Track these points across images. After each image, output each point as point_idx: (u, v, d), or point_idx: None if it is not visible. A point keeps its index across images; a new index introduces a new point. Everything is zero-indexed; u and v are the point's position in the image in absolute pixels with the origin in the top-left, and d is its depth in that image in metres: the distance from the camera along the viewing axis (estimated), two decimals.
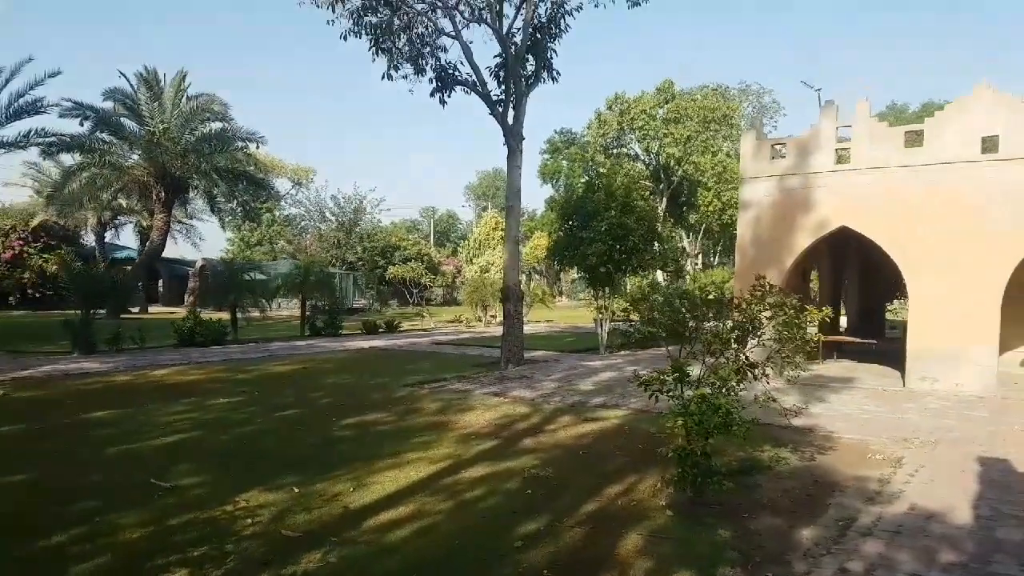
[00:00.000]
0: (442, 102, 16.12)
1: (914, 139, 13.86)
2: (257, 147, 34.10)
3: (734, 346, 7.18)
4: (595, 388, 13.68)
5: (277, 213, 63.76)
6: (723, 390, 6.93)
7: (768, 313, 7.11)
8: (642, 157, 42.55)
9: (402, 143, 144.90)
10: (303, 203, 58.00)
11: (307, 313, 26.54)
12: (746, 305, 7.13)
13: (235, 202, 36.11)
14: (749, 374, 7.13)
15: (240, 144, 33.48)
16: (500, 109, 16.53)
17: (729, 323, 7.38)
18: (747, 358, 7.25)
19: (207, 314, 25.26)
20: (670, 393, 6.91)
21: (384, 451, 8.65)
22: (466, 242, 56.16)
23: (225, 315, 24.48)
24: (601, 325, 21.54)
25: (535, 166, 49.10)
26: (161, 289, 49.09)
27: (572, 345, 23.24)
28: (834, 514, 6.39)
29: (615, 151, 41.94)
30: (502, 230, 53.68)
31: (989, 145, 12.79)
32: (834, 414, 11.23)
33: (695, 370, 7.23)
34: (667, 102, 39.66)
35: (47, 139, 25.41)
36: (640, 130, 39.68)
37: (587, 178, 21.08)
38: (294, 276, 25.70)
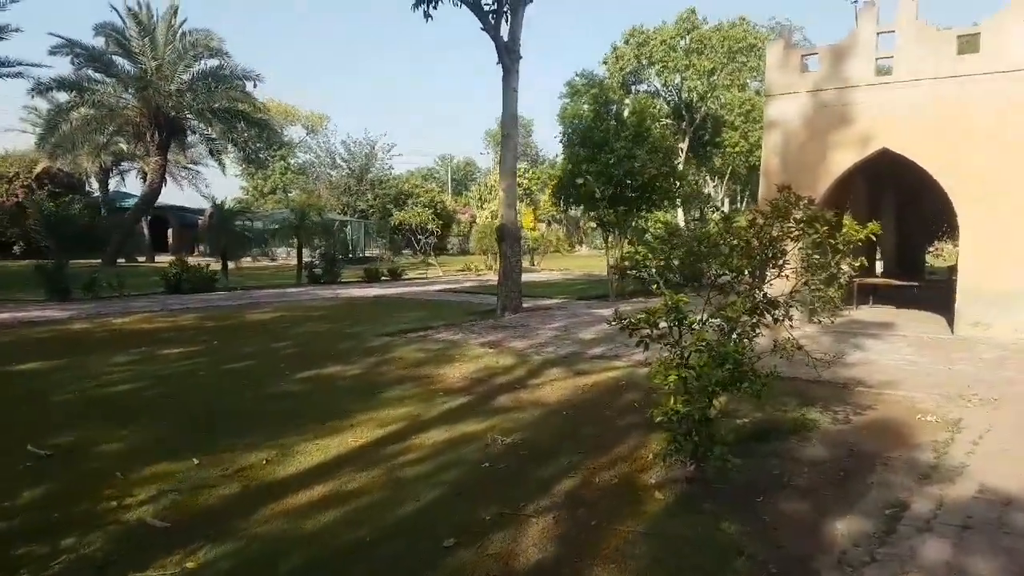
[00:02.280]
0: (426, 15, 14.24)
1: (968, 46, 11.83)
2: (255, 85, 32.30)
3: (747, 279, 5.57)
4: (595, 338, 12.12)
5: (292, 161, 62.28)
6: (732, 335, 5.34)
7: (796, 232, 5.44)
8: (662, 93, 39.99)
9: (420, 90, 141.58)
10: (314, 149, 56.27)
11: (305, 260, 25.16)
12: (764, 221, 5.46)
13: (235, 145, 34.44)
14: (768, 315, 5.52)
15: (237, 83, 31.68)
16: (492, 21, 14.65)
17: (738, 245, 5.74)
18: (765, 295, 5.62)
19: (206, 262, 24.03)
20: (664, 341, 5.33)
21: (330, 411, 7.26)
22: (477, 186, 54.30)
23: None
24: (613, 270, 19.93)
25: (553, 110, 46.77)
26: (171, 238, 48.08)
27: (582, 292, 21.63)
28: (878, 497, 4.84)
29: (634, 87, 39.46)
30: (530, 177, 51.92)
31: None
32: (872, 365, 9.60)
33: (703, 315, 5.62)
34: (688, 32, 36.99)
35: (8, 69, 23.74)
36: (660, 62, 37.09)
37: (592, 104, 19.10)
38: (290, 222, 24.23)
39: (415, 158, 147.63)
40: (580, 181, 18.39)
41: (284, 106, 62.47)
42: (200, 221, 39.51)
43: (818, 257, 5.50)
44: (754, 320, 5.64)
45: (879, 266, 22.93)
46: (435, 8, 14.18)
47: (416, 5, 14.09)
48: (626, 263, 5.96)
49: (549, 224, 54.94)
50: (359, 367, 9.66)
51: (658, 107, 40.67)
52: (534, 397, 7.99)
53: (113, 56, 30.68)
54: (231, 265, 22.95)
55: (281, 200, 55.67)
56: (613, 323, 5.39)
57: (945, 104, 11.72)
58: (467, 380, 8.87)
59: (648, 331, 5.14)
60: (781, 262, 5.59)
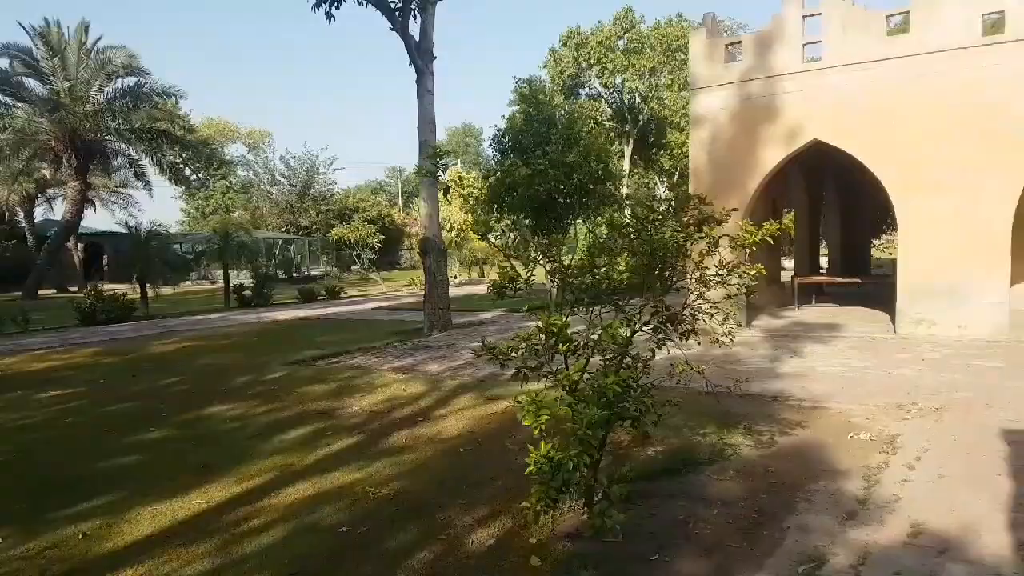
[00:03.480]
0: (328, 16, 13.27)
1: (898, 27, 11.33)
2: (176, 102, 30.88)
3: (653, 292, 4.79)
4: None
5: (233, 180, 60.40)
6: (621, 359, 4.52)
7: (682, 236, 4.66)
8: (604, 95, 39.44)
9: (370, 103, 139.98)
10: (253, 167, 54.61)
11: (233, 283, 23.87)
12: (652, 229, 4.67)
13: (159, 166, 32.81)
14: (664, 332, 4.71)
15: (158, 100, 30.19)
16: (401, 20, 13.78)
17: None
18: (666, 307, 4.81)
19: (126, 289, 22.63)
20: (541, 371, 4.50)
21: (190, 463, 6.30)
22: (419, 199, 53.14)
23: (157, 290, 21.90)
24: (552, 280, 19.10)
25: (499, 120, 45.68)
26: (106, 266, 46.02)
27: (522, 303, 20.75)
28: (793, 549, 4.04)
29: (576, 91, 38.84)
30: (465, 185, 50.82)
31: (994, 28, 10.31)
32: (808, 374, 8.91)
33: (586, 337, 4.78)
34: (625, 32, 36.52)
35: None
36: (599, 64, 36.52)
37: (523, 107, 18.28)
38: (213, 243, 22.93)
39: (365, 171, 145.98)
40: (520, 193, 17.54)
41: (222, 123, 60.68)
42: None
43: (710, 266, 4.68)
44: (659, 337, 4.85)
45: (825, 262, 22.56)
46: (337, 8, 13.23)
47: (317, 5, 13.12)
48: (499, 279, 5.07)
49: (503, 234, 53.99)
50: (247, 405, 8.64)
51: (600, 110, 40.26)
52: (433, 432, 7.09)
53: (23, 78, 28.97)
54: (152, 292, 21.52)
55: (223, 220, 53.87)
56: (480, 355, 4.53)
57: (876, 90, 11.15)
58: (365, 414, 7.94)
59: (522, 363, 4.29)
60: (669, 271, 4.78)
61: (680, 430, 6.50)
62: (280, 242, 43.05)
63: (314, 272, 43.90)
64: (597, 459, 4.44)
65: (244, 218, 49.43)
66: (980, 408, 6.85)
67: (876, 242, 32.25)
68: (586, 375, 4.48)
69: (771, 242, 4.80)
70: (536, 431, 3.94)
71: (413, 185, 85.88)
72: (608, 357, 4.53)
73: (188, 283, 33.53)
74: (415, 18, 13.89)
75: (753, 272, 4.58)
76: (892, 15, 11.10)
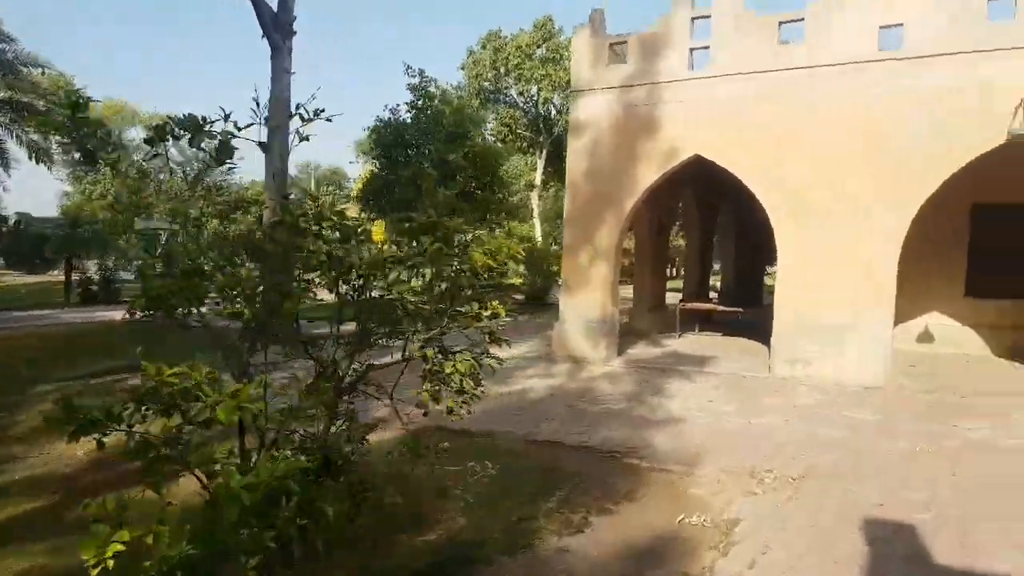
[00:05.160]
0: None
1: (793, 36, 10.31)
2: (43, 72, 27.70)
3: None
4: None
5: (126, 165, 56.22)
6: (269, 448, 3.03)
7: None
8: (520, 104, 38.27)
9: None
10: (148, 152, 50.81)
11: (79, 276, 21.24)
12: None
13: (20, 142, 29.47)
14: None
15: (23, 70, 27.00)
16: None
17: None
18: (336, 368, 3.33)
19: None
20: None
21: None
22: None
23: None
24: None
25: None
26: None
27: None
28: None
29: (494, 96, 37.51)
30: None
31: (891, 41, 9.35)
32: (664, 418, 7.62)
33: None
34: (545, 40, 35.47)
35: None
36: (516, 69, 35.31)
37: (410, 99, 16.77)
38: (57, 231, 20.31)
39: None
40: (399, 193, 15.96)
41: (119, 104, 56.68)
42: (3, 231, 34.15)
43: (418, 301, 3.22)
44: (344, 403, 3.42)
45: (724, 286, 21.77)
46: None
47: None
48: None
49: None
50: None
51: (515, 117, 39.05)
52: None
53: None
54: None
55: (75, 205, 49.74)
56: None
57: (763, 104, 10.07)
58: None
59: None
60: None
61: (484, 500, 5.04)
62: (164, 233, 39.87)
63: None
64: None
65: (82, 202, 45.67)
66: (844, 479, 5.63)
67: (771, 269, 32.01)
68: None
69: (514, 264, 3.43)
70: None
71: (329, 182, 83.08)
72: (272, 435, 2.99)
73: (57, 272, 30.58)
74: None
75: (489, 314, 3.13)
76: (786, 21, 10.04)
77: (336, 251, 3.35)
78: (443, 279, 3.37)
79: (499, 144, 36.67)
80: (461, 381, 3.21)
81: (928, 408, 8.22)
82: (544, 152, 37.89)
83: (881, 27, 9.33)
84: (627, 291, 18.10)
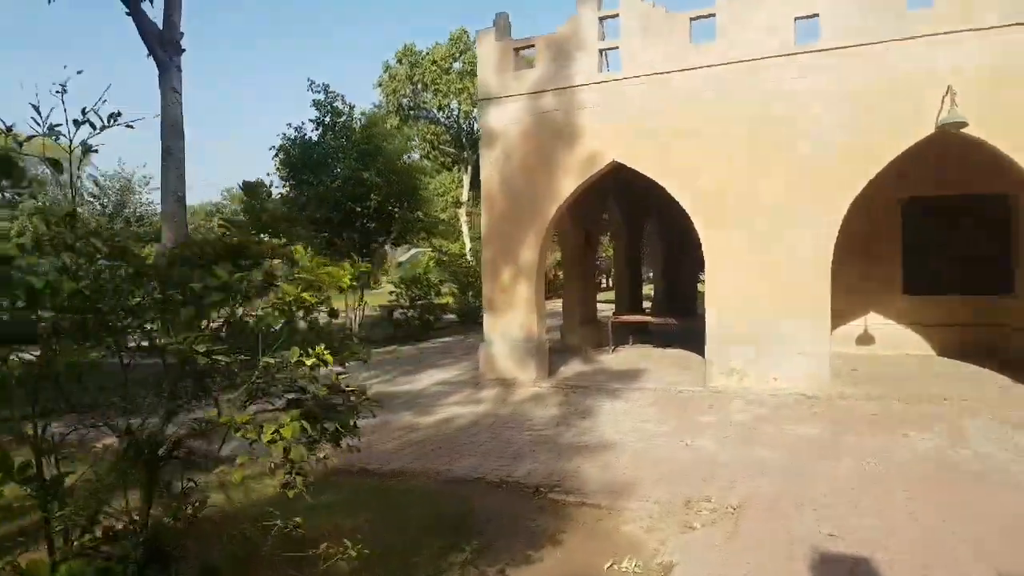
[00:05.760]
0: None
1: (705, 33, 10.00)
2: None
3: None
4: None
5: (43, 200, 53.22)
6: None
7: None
8: (441, 120, 37.66)
9: (222, 115, 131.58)
10: (57, 185, 48.20)
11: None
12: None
13: None
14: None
15: None
16: (135, 1, 11.14)
17: None
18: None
19: None
20: None
21: None
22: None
23: None
24: (353, 314, 16.82)
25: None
26: None
27: None
28: None
29: (413, 112, 36.76)
30: None
31: (808, 34, 9.09)
32: (594, 443, 7.07)
33: None
34: (462, 53, 34.98)
35: None
36: (433, 84, 34.71)
37: (317, 115, 15.95)
38: None
39: (207, 192, 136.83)
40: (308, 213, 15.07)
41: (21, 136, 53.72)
42: None
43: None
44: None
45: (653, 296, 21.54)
46: None
47: None
48: None
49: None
50: None
51: (437, 133, 38.46)
52: None
53: None
54: None
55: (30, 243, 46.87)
56: None
57: (678, 105, 9.71)
58: None
59: None
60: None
61: (383, 558, 4.31)
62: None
63: None
64: None
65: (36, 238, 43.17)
66: (788, 507, 5.15)
67: (704, 276, 32.26)
68: None
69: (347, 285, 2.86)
70: None
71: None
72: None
73: None
74: (151, 2, 11.26)
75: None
76: (697, 17, 9.70)
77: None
78: (243, 319, 2.75)
79: (425, 161, 35.98)
80: (287, 450, 2.52)
81: (873, 418, 7.86)
82: (469, 168, 37.38)
83: (797, 18, 9.05)
84: (558, 305, 17.61)
